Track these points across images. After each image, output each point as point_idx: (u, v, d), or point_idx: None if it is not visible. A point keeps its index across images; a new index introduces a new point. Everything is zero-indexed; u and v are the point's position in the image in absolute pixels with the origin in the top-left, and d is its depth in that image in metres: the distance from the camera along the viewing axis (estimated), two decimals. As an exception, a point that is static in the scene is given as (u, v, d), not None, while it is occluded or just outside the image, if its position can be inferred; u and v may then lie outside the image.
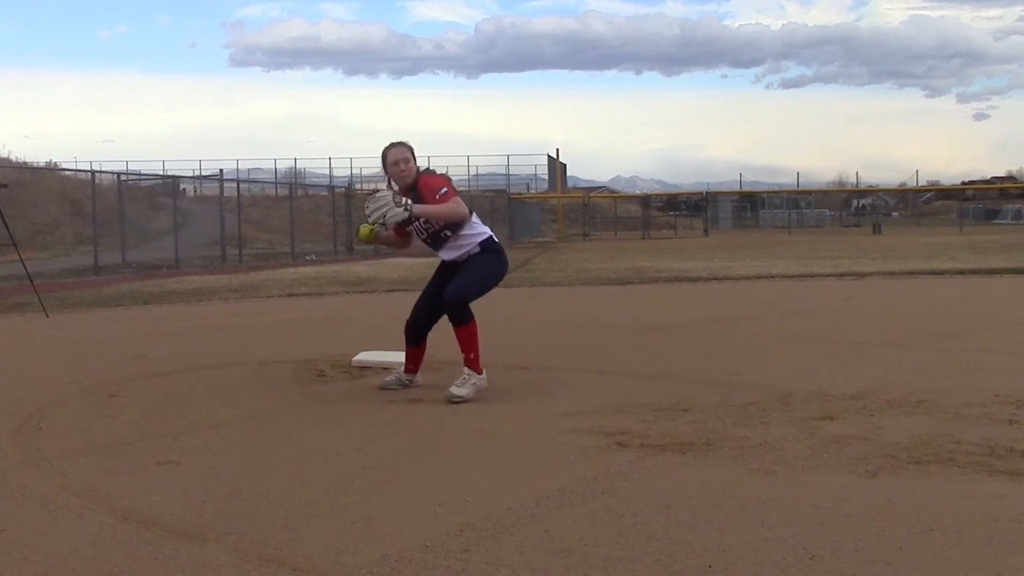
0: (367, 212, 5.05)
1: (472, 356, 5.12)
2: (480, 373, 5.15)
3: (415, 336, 5.45)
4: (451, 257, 5.27)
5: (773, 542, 2.83)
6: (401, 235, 5.38)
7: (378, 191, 5.15)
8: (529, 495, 3.31)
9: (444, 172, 5.36)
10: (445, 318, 5.19)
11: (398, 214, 4.97)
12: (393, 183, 5.20)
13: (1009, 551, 2.73)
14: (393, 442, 4.22)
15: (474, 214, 5.32)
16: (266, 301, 12.23)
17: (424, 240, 5.29)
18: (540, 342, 7.49)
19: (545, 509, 3.17)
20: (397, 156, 5.18)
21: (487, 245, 5.27)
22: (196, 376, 6.08)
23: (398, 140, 5.29)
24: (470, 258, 5.22)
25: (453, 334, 5.14)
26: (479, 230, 5.28)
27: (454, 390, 5.03)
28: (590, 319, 9.50)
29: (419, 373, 5.52)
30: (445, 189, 5.12)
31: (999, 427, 4.22)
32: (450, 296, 5.09)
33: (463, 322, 5.11)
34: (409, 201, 5.02)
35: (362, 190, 38.99)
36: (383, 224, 5.06)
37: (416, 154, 5.27)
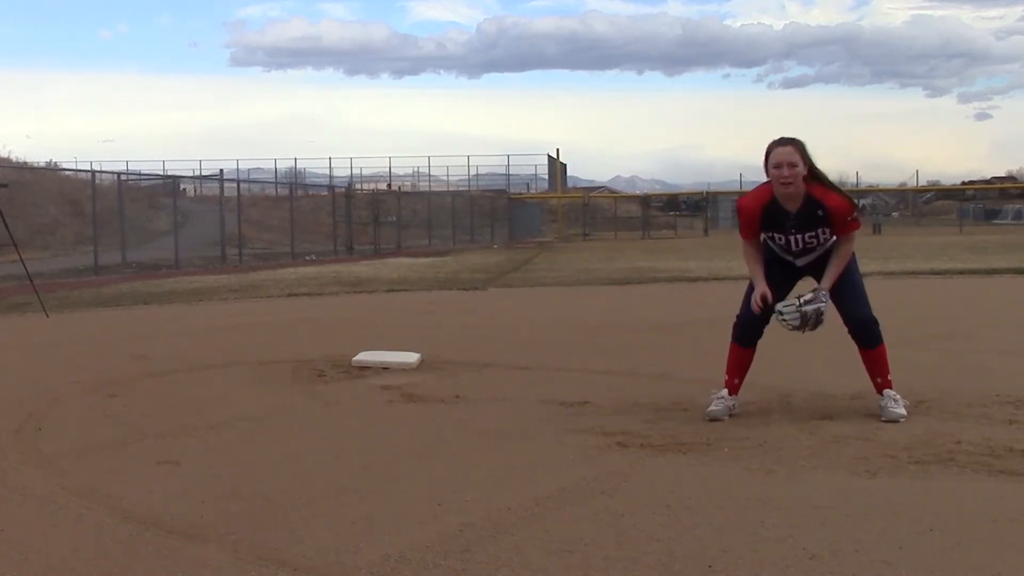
0: (803, 330, 4.45)
1: (888, 376, 4.51)
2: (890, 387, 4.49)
3: (759, 332, 4.61)
4: (806, 262, 4.57)
5: (773, 542, 2.83)
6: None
7: (785, 310, 4.45)
8: (529, 495, 3.31)
9: (823, 179, 4.44)
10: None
11: (821, 311, 4.40)
12: (777, 189, 4.38)
13: (1009, 551, 2.73)
14: (393, 442, 4.22)
15: None
16: (266, 301, 12.23)
17: (787, 255, 4.56)
18: (540, 342, 7.49)
19: (545, 509, 3.17)
20: (782, 158, 4.31)
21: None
22: (196, 376, 6.08)
23: (788, 136, 4.40)
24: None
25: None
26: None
27: (893, 409, 4.39)
28: (590, 319, 9.50)
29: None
30: (857, 214, 4.42)
31: (999, 427, 4.22)
32: (864, 317, 4.48)
33: (877, 343, 4.51)
34: (822, 295, 4.41)
35: (362, 190, 39.01)
36: (816, 323, 4.45)
37: (807, 152, 4.36)
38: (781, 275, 4.59)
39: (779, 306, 4.49)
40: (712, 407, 4.50)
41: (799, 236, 4.44)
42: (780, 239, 4.49)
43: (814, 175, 4.40)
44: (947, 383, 5.26)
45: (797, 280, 4.67)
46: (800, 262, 4.56)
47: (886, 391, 4.49)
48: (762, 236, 4.55)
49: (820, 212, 4.38)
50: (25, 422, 4.69)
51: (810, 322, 4.44)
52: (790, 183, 4.33)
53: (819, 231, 4.43)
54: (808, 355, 6.04)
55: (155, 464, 3.86)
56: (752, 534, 2.90)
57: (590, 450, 3.96)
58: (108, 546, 2.91)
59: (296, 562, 2.75)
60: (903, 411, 4.39)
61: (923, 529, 2.92)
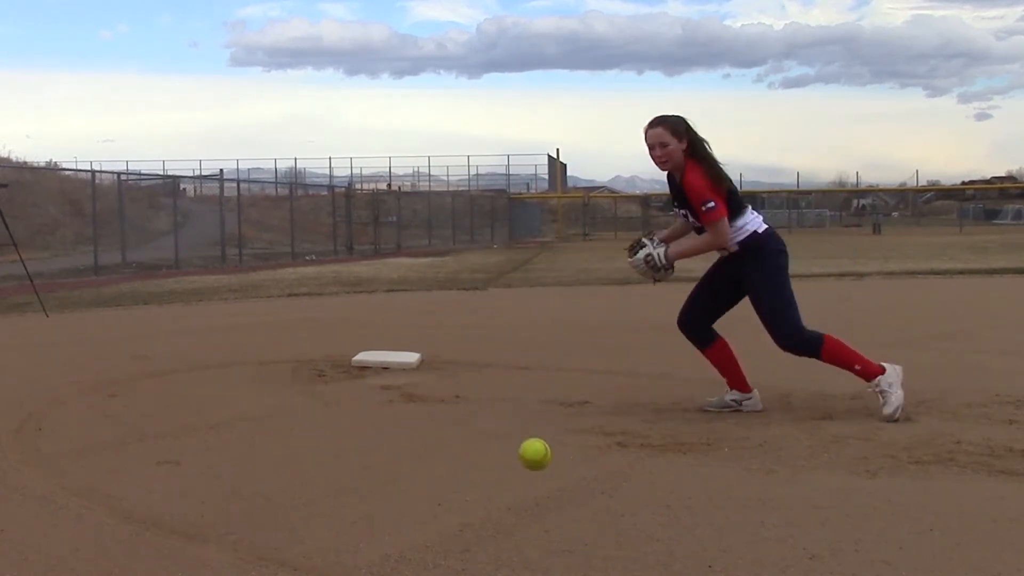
0: (635, 268, 4.57)
1: (858, 367, 4.42)
2: (882, 372, 4.40)
3: (694, 333, 4.68)
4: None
5: (773, 542, 2.83)
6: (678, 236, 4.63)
7: (635, 247, 4.57)
8: (529, 495, 3.31)
9: (703, 158, 4.39)
10: None
11: (664, 276, 4.52)
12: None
13: (1009, 551, 2.73)
14: (393, 442, 4.22)
15: (748, 208, 4.49)
16: (266, 301, 12.23)
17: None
18: (540, 342, 7.49)
19: (545, 509, 3.17)
20: (653, 140, 4.37)
21: (753, 243, 4.44)
22: (196, 376, 6.08)
23: (665, 114, 4.42)
24: (747, 269, 4.47)
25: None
26: (741, 225, 4.43)
27: (886, 411, 4.34)
28: (590, 319, 9.50)
29: (753, 392, 4.68)
30: (712, 204, 4.29)
31: (999, 427, 4.22)
32: (783, 343, 4.45)
33: (816, 354, 4.44)
34: (662, 255, 4.46)
35: (362, 190, 39.00)
36: (657, 281, 4.60)
37: (687, 127, 4.38)
38: (719, 286, 4.63)
39: (629, 261, 4.58)
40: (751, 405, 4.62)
41: (681, 211, 4.51)
42: (683, 213, 4.53)
43: (694, 151, 4.39)
44: (947, 383, 5.26)
45: (732, 297, 4.62)
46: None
47: (871, 383, 4.41)
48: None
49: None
50: (25, 422, 4.69)
51: (649, 266, 4.50)
52: (664, 161, 4.39)
53: (689, 209, 4.45)
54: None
55: (155, 464, 3.86)
56: (752, 534, 2.90)
57: (590, 450, 3.96)
58: (108, 546, 2.91)
59: (296, 562, 2.75)
60: (892, 409, 4.31)
61: (923, 529, 2.92)
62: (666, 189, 4.76)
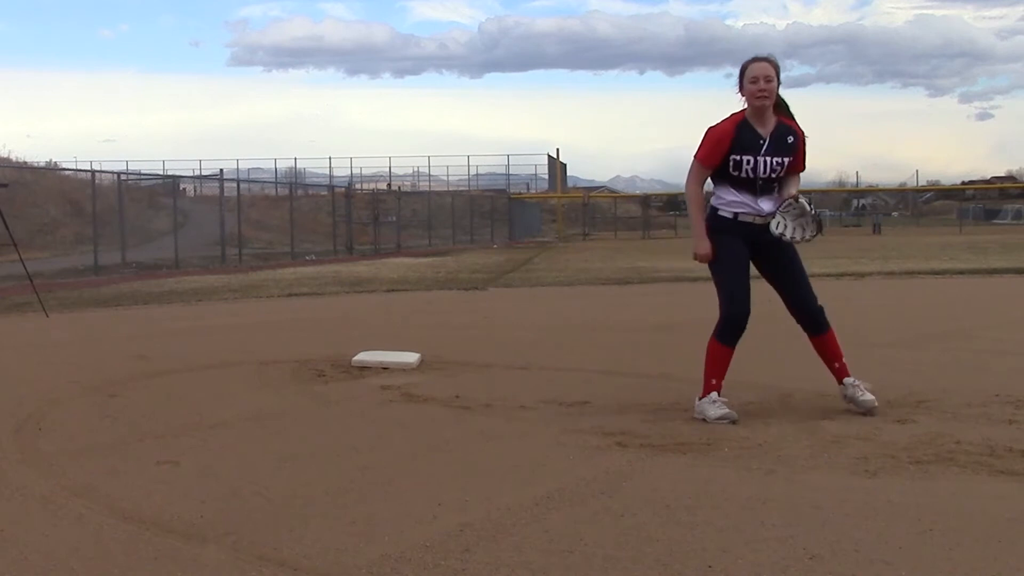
0: (790, 236, 4.41)
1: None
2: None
3: (740, 333, 4.56)
4: (769, 209, 4.48)
5: (773, 542, 2.83)
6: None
7: (783, 211, 4.41)
8: (529, 495, 3.31)
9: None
10: None
11: (812, 229, 4.41)
12: (752, 103, 4.41)
13: (1009, 551, 2.73)
14: (393, 442, 4.22)
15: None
16: (266, 301, 12.23)
17: (751, 187, 4.47)
18: (540, 342, 7.49)
19: (545, 509, 3.17)
20: (758, 72, 4.38)
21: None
22: (196, 376, 6.08)
23: (763, 54, 4.52)
24: (783, 243, 4.47)
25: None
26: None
27: (863, 398, 4.48)
28: (590, 319, 9.50)
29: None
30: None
31: (999, 427, 4.22)
32: (813, 306, 4.54)
33: (827, 328, 4.57)
34: (806, 205, 4.40)
35: (362, 190, 38.99)
36: (807, 236, 4.43)
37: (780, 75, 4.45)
38: (742, 249, 4.53)
39: (775, 229, 4.41)
40: (721, 412, 4.43)
41: (770, 160, 4.43)
42: (750, 162, 4.43)
43: (780, 104, 4.51)
44: (947, 383, 5.26)
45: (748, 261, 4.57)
46: (762, 201, 4.47)
47: (846, 379, 4.56)
48: (730, 160, 4.42)
49: (790, 139, 4.49)
50: (25, 422, 4.68)
51: (809, 224, 4.41)
52: (766, 96, 4.39)
53: (784, 159, 4.47)
54: (808, 355, 6.04)
55: (155, 464, 3.86)
56: (752, 534, 2.90)
57: (590, 450, 3.96)
58: (108, 546, 2.91)
59: (296, 562, 2.75)
60: (871, 396, 4.49)
61: (923, 529, 2.92)
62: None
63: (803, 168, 4.59)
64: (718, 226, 4.55)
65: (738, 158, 4.44)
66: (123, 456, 4.02)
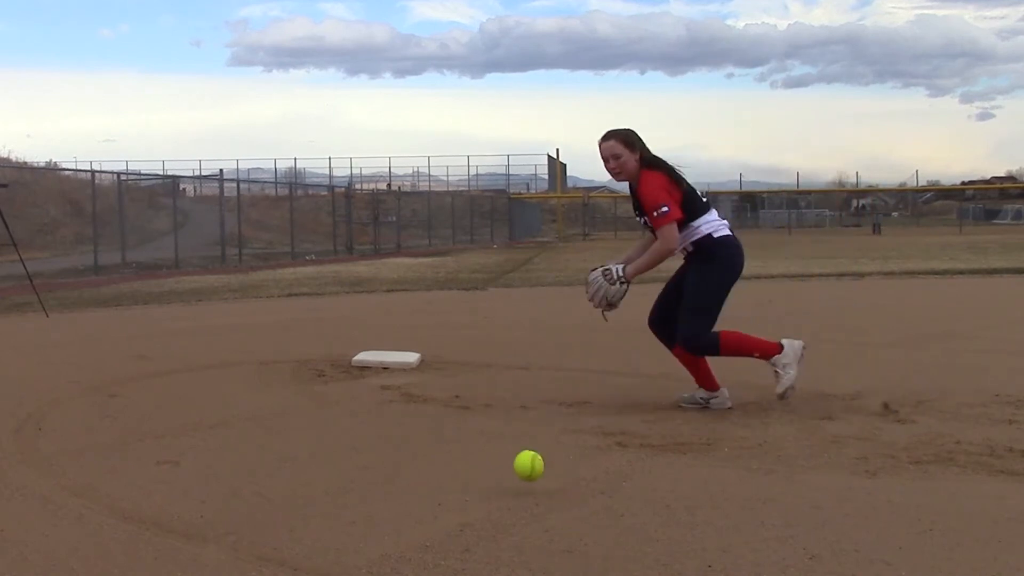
0: (590, 300, 4.67)
1: (756, 354, 4.57)
2: (779, 351, 4.54)
3: (661, 332, 4.86)
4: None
5: (773, 542, 2.83)
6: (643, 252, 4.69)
7: (591, 274, 4.70)
8: (529, 495, 3.31)
9: (658, 164, 4.57)
10: None
11: (618, 292, 4.58)
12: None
13: (1009, 551, 2.73)
14: (393, 442, 4.22)
15: (712, 209, 4.65)
16: (266, 301, 12.23)
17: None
18: (540, 342, 7.49)
19: (545, 509, 3.17)
20: (606, 153, 4.54)
21: (705, 245, 4.55)
22: (196, 376, 6.08)
23: (614, 128, 4.59)
24: (692, 267, 4.63)
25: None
26: (697, 225, 4.55)
27: (777, 390, 4.55)
28: (590, 319, 9.48)
29: (721, 390, 4.73)
30: (665, 208, 4.42)
31: (999, 427, 4.22)
32: (681, 341, 4.62)
33: (715, 353, 4.59)
34: (620, 269, 4.57)
35: (362, 190, 39.00)
36: (611, 306, 4.66)
37: (636, 139, 4.56)
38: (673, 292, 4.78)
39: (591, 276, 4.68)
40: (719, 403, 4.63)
41: (642, 219, 4.61)
42: (642, 220, 4.64)
43: (647, 160, 4.57)
44: (947, 383, 5.26)
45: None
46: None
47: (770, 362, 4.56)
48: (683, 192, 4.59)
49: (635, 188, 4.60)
50: (25, 422, 4.69)
51: (599, 302, 4.66)
52: (619, 172, 4.58)
53: (641, 210, 4.57)
54: (808, 355, 6.05)
55: (155, 464, 3.86)
56: (752, 534, 2.90)
57: (590, 450, 3.96)
58: (108, 546, 2.91)
59: (296, 562, 2.75)
60: (782, 388, 4.51)
61: (923, 529, 2.92)
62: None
63: (654, 224, 4.49)
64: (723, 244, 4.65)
65: (639, 219, 4.66)
66: (123, 456, 4.02)
